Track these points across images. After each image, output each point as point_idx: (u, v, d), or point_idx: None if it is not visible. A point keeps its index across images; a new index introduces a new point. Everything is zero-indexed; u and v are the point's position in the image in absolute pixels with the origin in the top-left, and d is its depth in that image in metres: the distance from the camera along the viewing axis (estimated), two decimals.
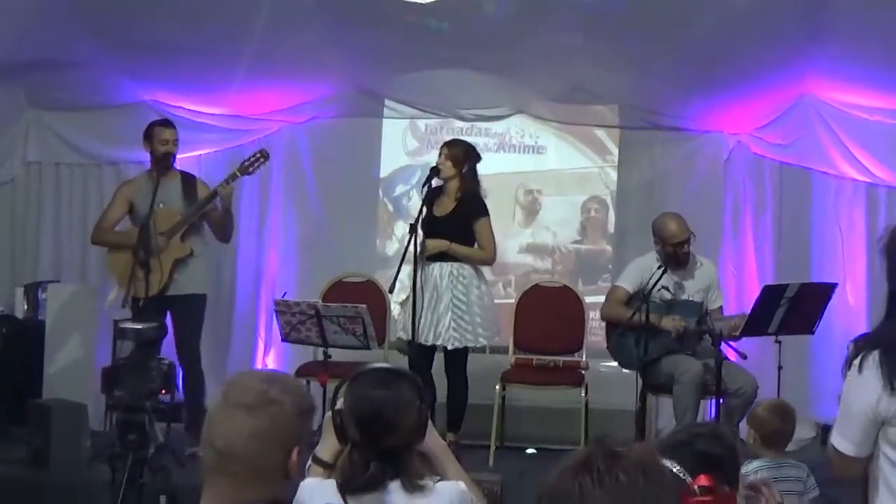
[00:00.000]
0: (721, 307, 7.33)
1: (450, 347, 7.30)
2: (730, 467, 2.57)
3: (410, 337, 7.14)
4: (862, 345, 3.28)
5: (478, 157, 7.46)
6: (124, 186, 7.85)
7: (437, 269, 7.33)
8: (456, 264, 7.35)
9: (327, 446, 3.39)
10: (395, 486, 3.20)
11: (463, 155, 7.36)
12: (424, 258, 7.24)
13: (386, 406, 3.20)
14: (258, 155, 7.66)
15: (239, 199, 8.46)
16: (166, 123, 7.68)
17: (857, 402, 3.27)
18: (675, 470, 2.39)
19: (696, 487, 2.38)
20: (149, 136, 7.60)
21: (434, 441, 3.43)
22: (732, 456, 2.61)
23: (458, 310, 7.30)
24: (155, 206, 7.34)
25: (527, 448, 7.90)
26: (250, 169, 7.64)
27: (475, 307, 7.36)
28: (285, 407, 2.43)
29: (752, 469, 4.83)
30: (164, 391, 4.81)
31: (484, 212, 7.40)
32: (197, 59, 8.13)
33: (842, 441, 3.32)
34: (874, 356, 3.22)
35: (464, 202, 7.36)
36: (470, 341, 7.33)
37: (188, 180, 7.70)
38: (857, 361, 3.24)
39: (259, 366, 8.68)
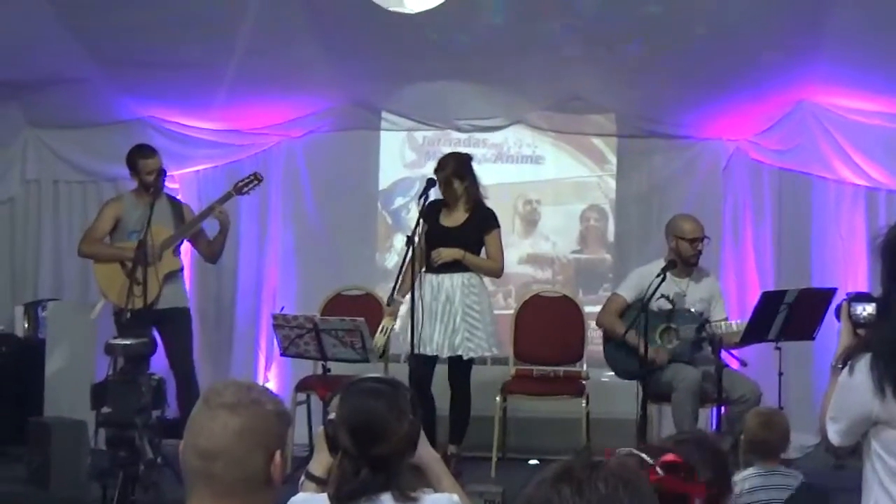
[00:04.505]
0: (725, 319, 7.31)
1: (465, 357, 7.31)
2: (716, 473, 2.54)
3: (411, 349, 7.13)
4: (854, 349, 3.28)
5: (469, 158, 7.51)
6: (112, 203, 7.91)
7: (449, 280, 7.35)
8: (467, 274, 7.37)
9: (320, 461, 3.37)
10: (386, 498, 3.18)
11: (458, 166, 7.37)
12: (427, 269, 7.29)
13: (377, 414, 3.19)
14: (251, 177, 7.87)
15: (238, 214, 8.47)
16: (147, 153, 7.68)
17: (848, 404, 3.27)
18: (643, 457, 2.34)
19: (658, 467, 2.33)
20: (133, 167, 7.66)
21: (428, 453, 3.41)
22: (718, 462, 2.58)
23: (472, 319, 7.33)
24: (151, 222, 7.41)
25: (529, 459, 7.86)
26: (244, 189, 7.84)
27: (487, 317, 7.41)
28: (266, 407, 2.47)
29: (741, 477, 4.84)
30: (154, 407, 4.80)
31: (496, 223, 7.45)
32: (193, 74, 8.14)
33: (832, 432, 3.35)
34: (865, 360, 3.21)
35: (477, 212, 7.41)
36: (485, 349, 7.38)
37: (175, 202, 7.89)
38: (848, 364, 3.23)
39: (261, 380, 8.66)
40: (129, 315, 7.21)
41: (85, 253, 7.90)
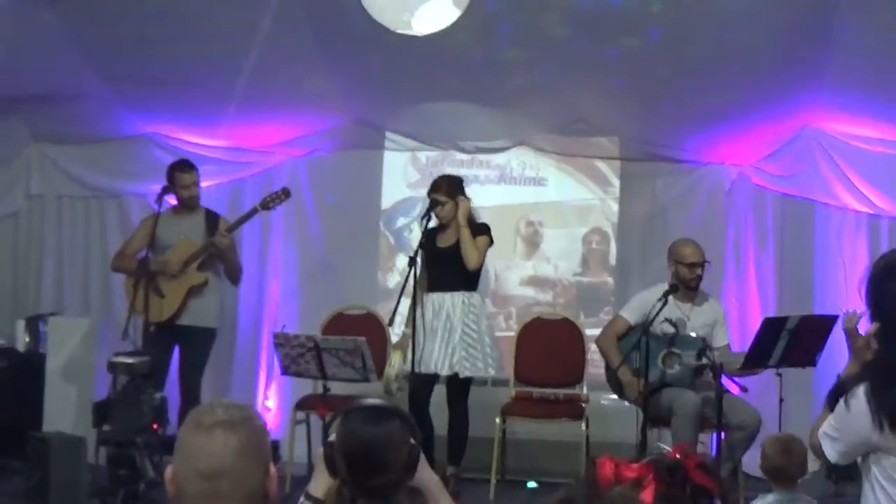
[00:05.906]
0: (728, 345, 7.32)
1: (462, 376, 7.30)
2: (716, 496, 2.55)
3: (412, 368, 7.13)
4: (850, 379, 3.28)
5: (460, 180, 7.55)
6: (147, 219, 7.95)
7: (450, 299, 7.36)
8: (467, 294, 7.37)
9: (319, 482, 3.35)
10: None
11: (450, 188, 7.38)
12: (429, 289, 7.27)
13: (375, 444, 3.15)
14: (280, 192, 7.84)
15: (241, 231, 8.45)
16: (185, 168, 7.78)
17: (848, 430, 3.26)
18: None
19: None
20: (171, 180, 7.74)
21: (427, 475, 3.39)
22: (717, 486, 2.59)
23: (469, 338, 7.33)
24: (177, 237, 7.68)
25: (527, 482, 7.86)
26: (271, 205, 7.83)
27: (485, 337, 7.41)
28: (256, 422, 2.51)
29: (766, 503, 4.82)
30: (155, 426, 4.79)
31: (485, 232, 7.41)
32: (198, 92, 8.16)
33: (831, 450, 3.35)
34: (861, 390, 3.21)
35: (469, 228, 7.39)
36: (481, 370, 7.37)
37: (212, 217, 7.90)
38: (846, 394, 3.24)
39: (261, 399, 8.68)
40: (151, 328, 7.27)
41: (114, 267, 8.02)
